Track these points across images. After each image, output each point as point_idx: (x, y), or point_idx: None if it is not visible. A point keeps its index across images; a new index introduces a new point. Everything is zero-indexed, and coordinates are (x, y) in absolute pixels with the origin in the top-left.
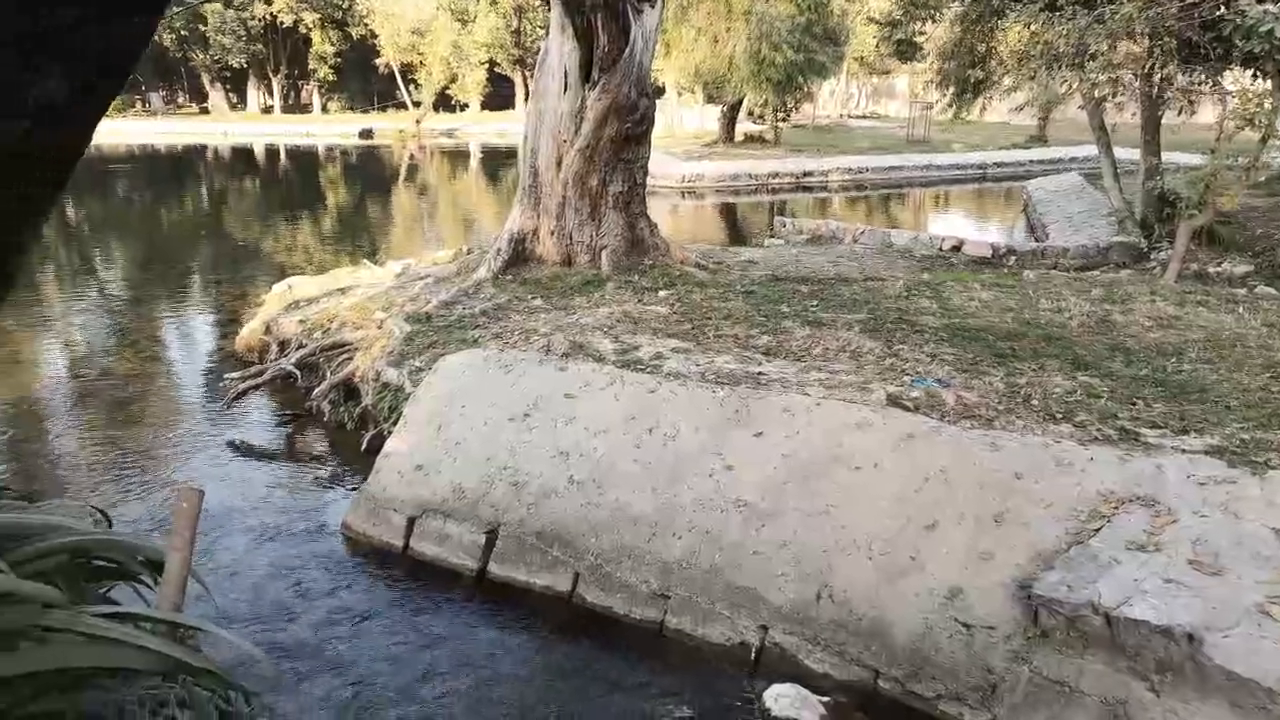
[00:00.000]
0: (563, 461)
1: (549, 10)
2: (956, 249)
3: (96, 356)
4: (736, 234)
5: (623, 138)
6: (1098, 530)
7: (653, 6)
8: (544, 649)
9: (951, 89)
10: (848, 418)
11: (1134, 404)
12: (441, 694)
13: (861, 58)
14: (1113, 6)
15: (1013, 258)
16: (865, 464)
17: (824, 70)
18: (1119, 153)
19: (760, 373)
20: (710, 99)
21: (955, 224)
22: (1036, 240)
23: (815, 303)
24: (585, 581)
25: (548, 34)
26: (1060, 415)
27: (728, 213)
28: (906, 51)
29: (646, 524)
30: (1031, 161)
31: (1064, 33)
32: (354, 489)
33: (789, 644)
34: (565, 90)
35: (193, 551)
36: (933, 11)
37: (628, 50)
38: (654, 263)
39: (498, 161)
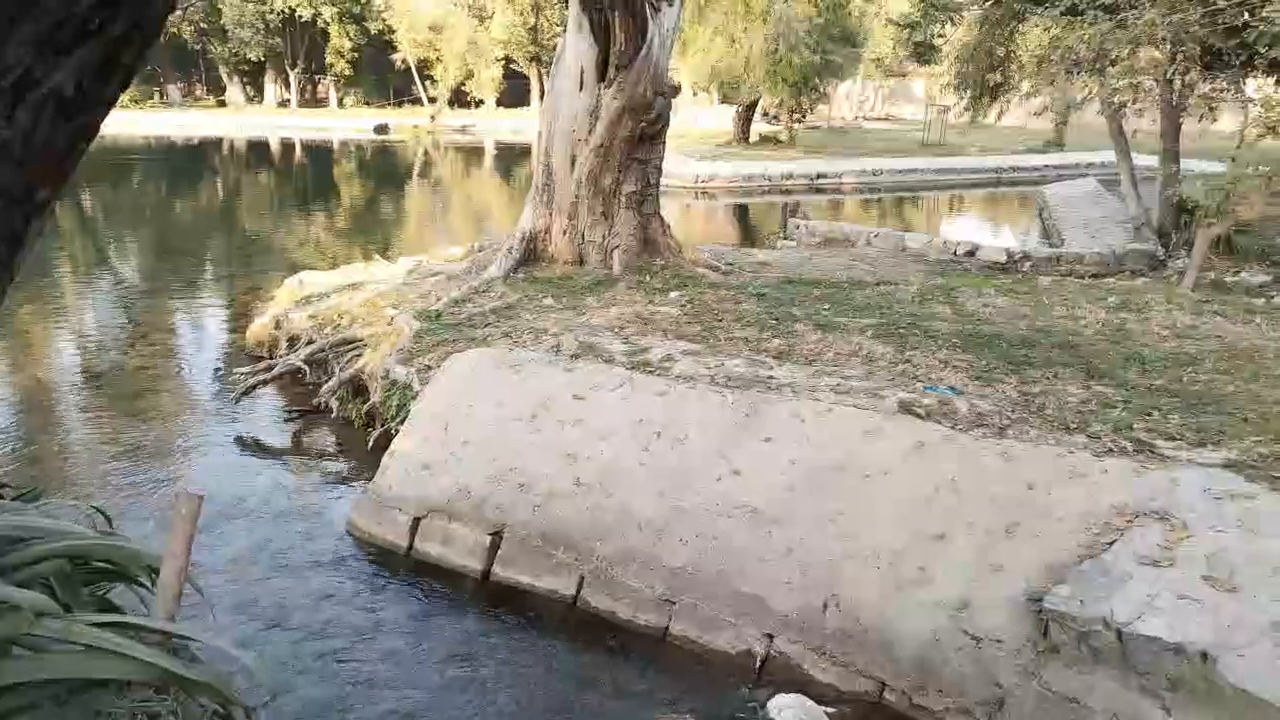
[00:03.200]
0: (570, 463)
1: (566, 8)
2: (971, 254)
3: (106, 348)
4: (749, 235)
5: (637, 137)
6: (1111, 544)
7: (671, 5)
8: (547, 654)
9: (969, 92)
10: (858, 424)
11: (1149, 415)
12: (443, 699)
13: (878, 60)
14: (1135, 12)
15: (1028, 263)
16: (875, 472)
17: (841, 72)
18: (1137, 159)
19: (771, 376)
20: (725, 99)
21: (970, 228)
22: (1052, 246)
23: (828, 306)
24: (590, 585)
25: (565, 32)
26: (1074, 425)
27: (740, 214)
28: (925, 54)
29: (653, 528)
30: (1048, 166)
31: (1085, 38)
32: (360, 487)
33: (794, 653)
34: (581, 89)
35: (189, 558)
36: (952, 14)
37: (645, 49)
38: (666, 263)
39: (511, 158)
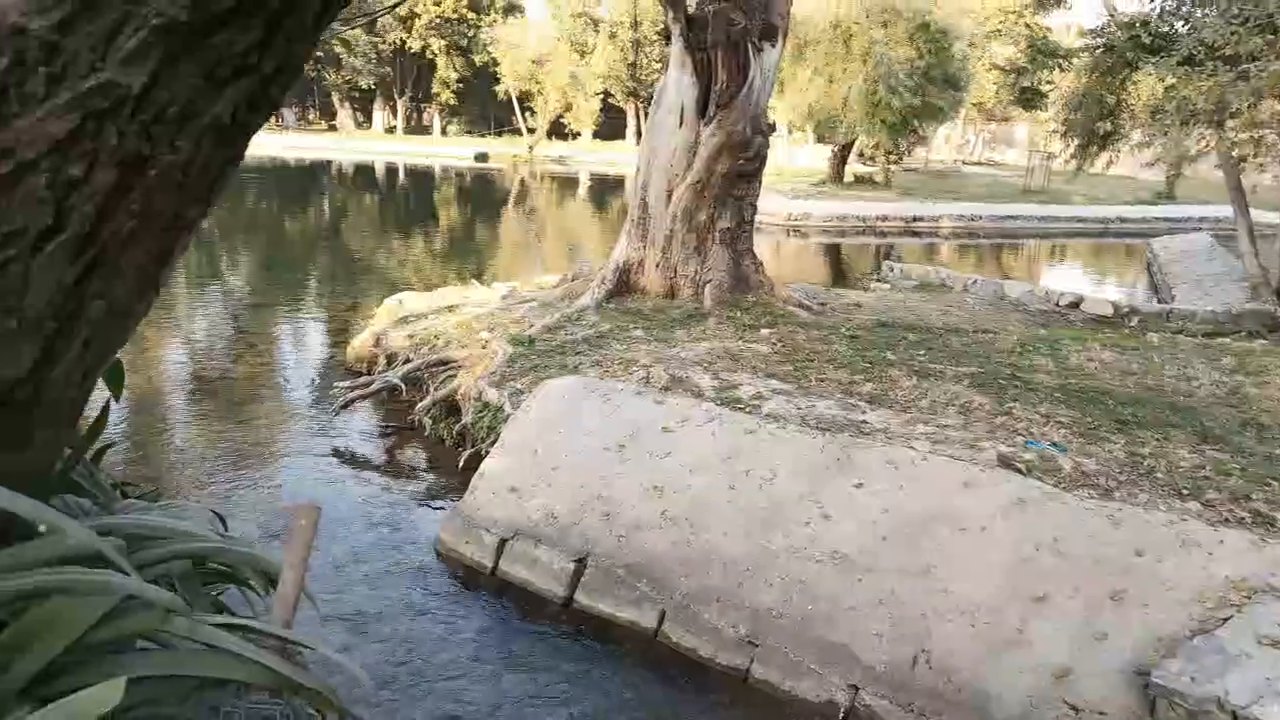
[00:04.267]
0: (656, 496)
1: (668, 46)
2: (1074, 306)
3: (215, 356)
4: (840, 276)
5: (734, 174)
6: (1226, 620)
7: (774, 45)
8: (627, 685)
9: (1076, 140)
10: (955, 475)
11: (1269, 485)
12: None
13: (980, 103)
14: (1258, 64)
15: (1135, 318)
16: (972, 526)
17: (941, 115)
18: (1257, 215)
19: (863, 421)
20: (820, 138)
21: (1073, 279)
22: (1161, 301)
23: (923, 352)
24: (672, 620)
25: (665, 69)
26: (1187, 491)
27: (832, 254)
28: (1031, 99)
29: (738, 567)
30: (1157, 219)
31: (1203, 89)
32: (449, 505)
33: (880, 708)
34: (680, 125)
35: (307, 568)
36: (1061, 60)
37: (746, 87)
38: (757, 300)
39: (604, 190)
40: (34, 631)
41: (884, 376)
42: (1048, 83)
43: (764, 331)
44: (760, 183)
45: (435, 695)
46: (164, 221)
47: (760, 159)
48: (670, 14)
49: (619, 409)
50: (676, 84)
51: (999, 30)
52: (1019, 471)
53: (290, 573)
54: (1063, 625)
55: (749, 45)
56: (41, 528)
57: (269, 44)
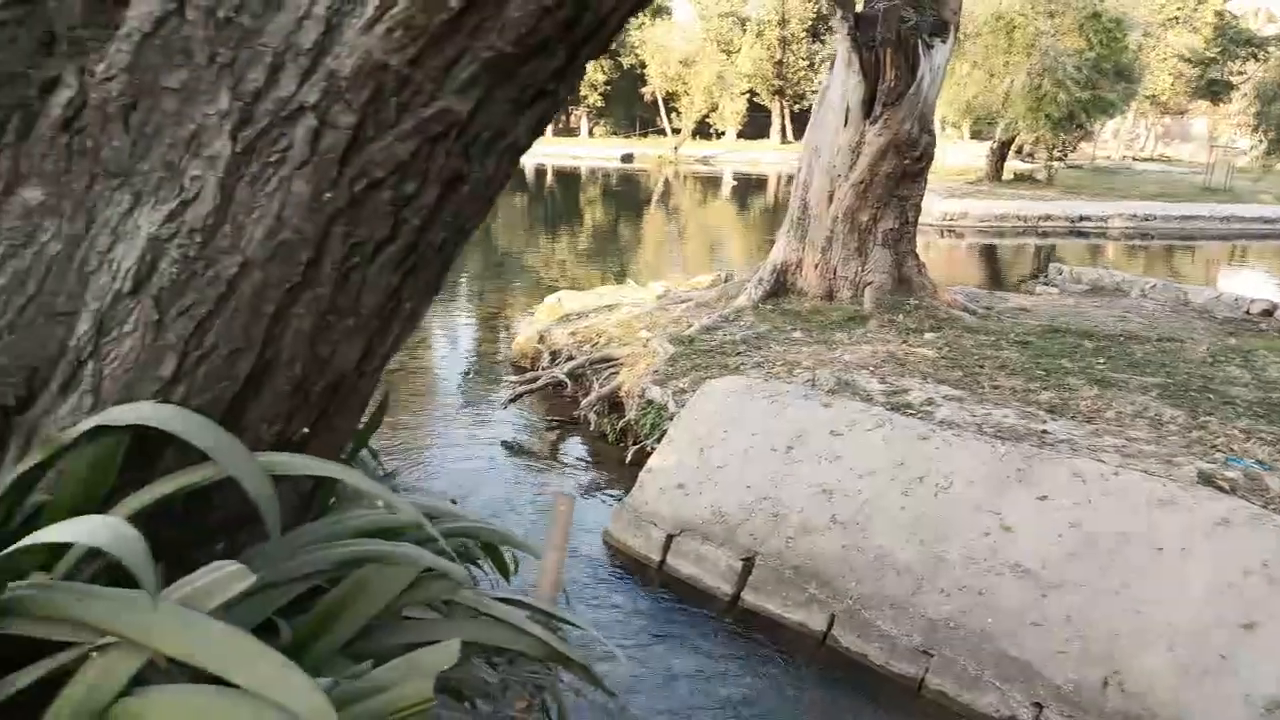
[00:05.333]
0: (825, 499)
1: (813, 44)
2: (1268, 314)
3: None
4: (998, 278)
5: (899, 174)
6: None
7: (944, 42)
8: (795, 685)
9: (1269, 134)
10: (1149, 492)
11: None
12: (687, 709)
13: (1152, 96)
14: None
15: None
16: (1169, 546)
17: (1111, 109)
18: None
19: (1045, 431)
20: (975, 134)
21: (1261, 285)
22: None
23: (1102, 360)
24: (841, 624)
25: (814, 67)
26: None
27: (989, 255)
28: (1219, 91)
29: (911, 575)
30: None
31: None
32: (613, 498)
33: None
34: (845, 125)
35: (567, 550)
36: (1255, 50)
37: (914, 86)
38: (919, 303)
39: (748, 190)
40: (352, 596)
41: (1062, 385)
42: (1238, 73)
43: (928, 335)
44: (925, 183)
45: (606, 679)
46: (461, 232)
47: (927, 158)
48: (838, 13)
49: (785, 411)
50: (842, 83)
51: (1176, 18)
52: (1222, 490)
53: (553, 555)
54: (1274, 656)
55: (919, 42)
56: (379, 503)
57: (566, 70)
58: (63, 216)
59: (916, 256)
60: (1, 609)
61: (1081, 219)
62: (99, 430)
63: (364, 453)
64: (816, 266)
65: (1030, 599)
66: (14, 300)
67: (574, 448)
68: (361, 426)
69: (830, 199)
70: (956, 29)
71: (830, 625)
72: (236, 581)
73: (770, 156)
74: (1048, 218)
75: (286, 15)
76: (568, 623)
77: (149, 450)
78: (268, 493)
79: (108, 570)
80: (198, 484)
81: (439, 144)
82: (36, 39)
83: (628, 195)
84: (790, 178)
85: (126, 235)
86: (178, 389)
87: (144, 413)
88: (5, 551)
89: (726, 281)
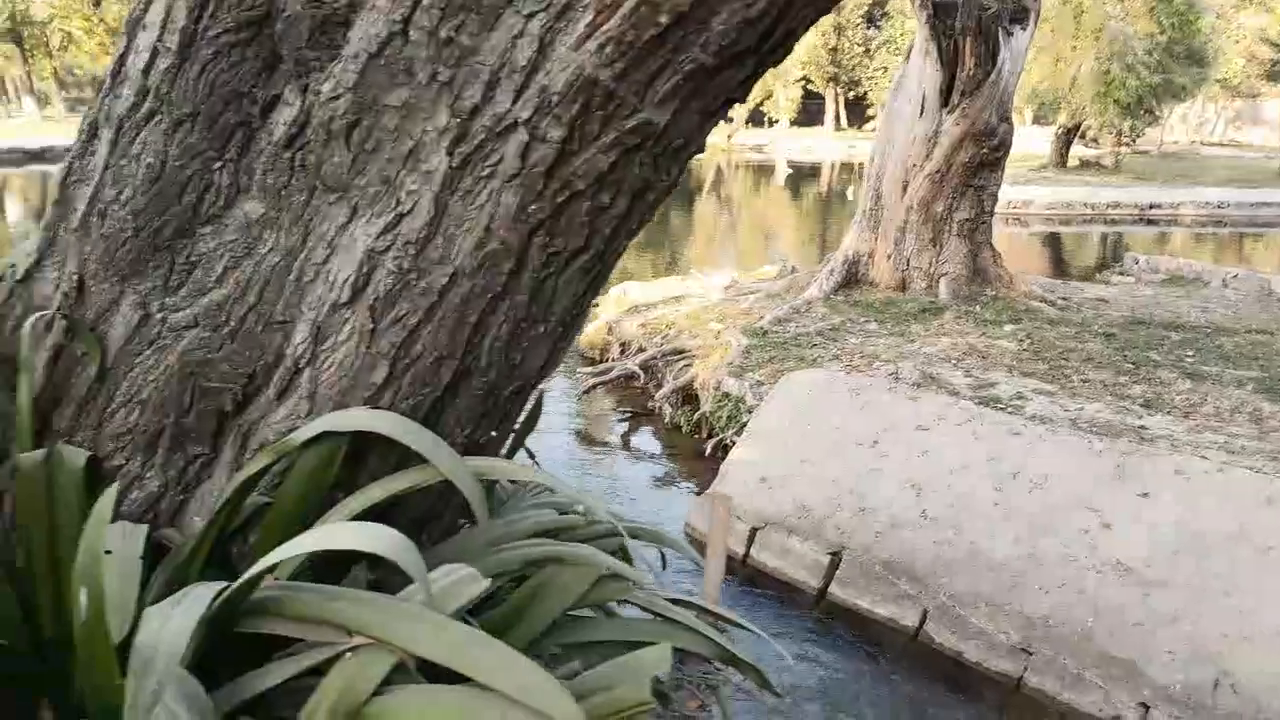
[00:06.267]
0: (914, 494)
1: (869, 29)
2: None
3: None
4: (1065, 267)
5: (977, 163)
6: None
7: (1024, 29)
8: (887, 681)
9: None
10: (1259, 490)
11: None
12: (781, 703)
13: (1223, 79)
14: None
15: None
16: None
17: (1183, 93)
18: None
19: (1142, 426)
20: (1037, 120)
21: None
22: None
23: (1191, 353)
24: (934, 620)
25: (869, 54)
26: None
27: (1055, 243)
28: None
29: (1007, 572)
30: None
31: None
32: (690, 489)
33: None
34: (921, 114)
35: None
36: None
37: (994, 74)
38: (996, 294)
39: (800, 178)
40: (537, 596)
41: (1153, 378)
42: None
43: (1008, 327)
44: (1003, 172)
45: (692, 668)
46: (632, 237)
47: (1005, 147)
48: (916, 1)
49: (869, 404)
50: (919, 72)
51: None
52: None
53: (714, 557)
54: None
55: (1000, 29)
56: (579, 508)
57: (750, 80)
58: (281, 229)
59: (992, 247)
60: (256, 608)
61: (1151, 206)
62: (321, 434)
63: (521, 452)
64: (889, 257)
65: (1133, 598)
66: (235, 310)
67: (648, 439)
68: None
69: (904, 189)
70: (1037, 15)
71: (923, 621)
72: (472, 585)
73: (825, 144)
74: (1116, 205)
75: (501, 34)
76: (736, 624)
77: (356, 454)
78: (480, 496)
79: (312, 570)
80: (414, 487)
81: (635, 155)
82: (262, 60)
83: (683, 184)
84: (844, 165)
85: (342, 247)
86: (385, 395)
87: (365, 419)
88: (274, 558)
89: (793, 273)
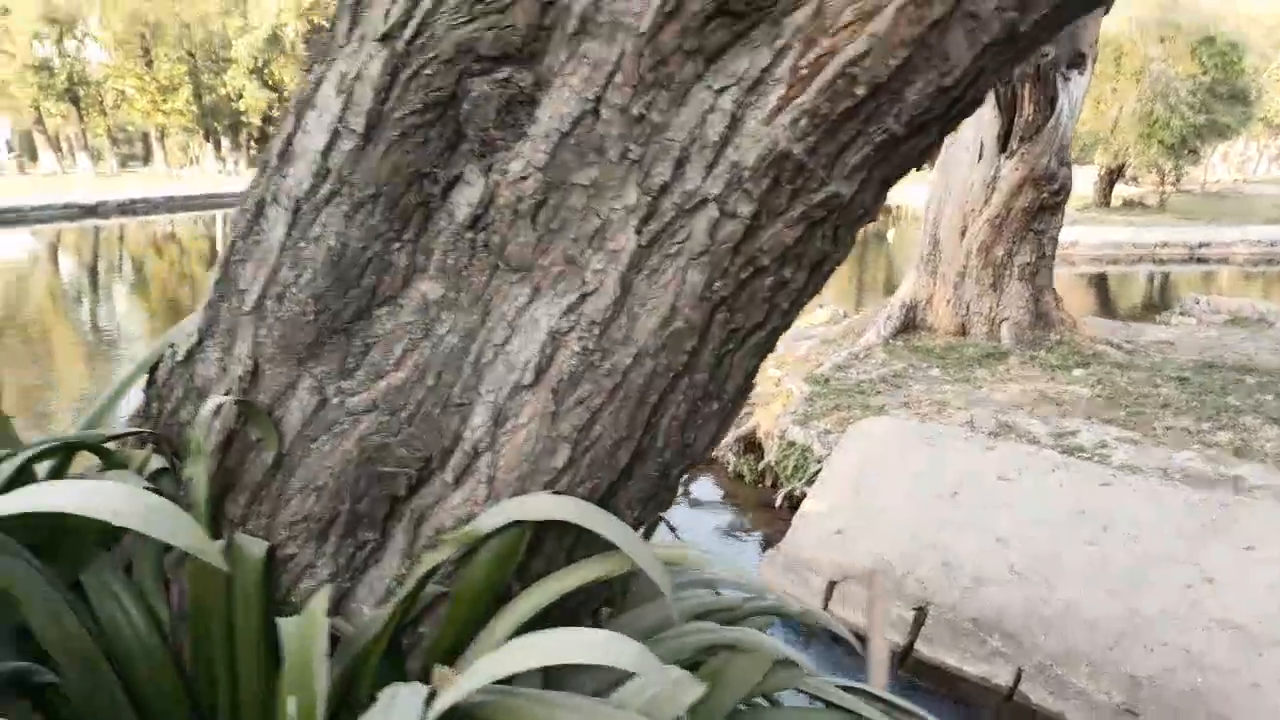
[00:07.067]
0: (1000, 548)
1: None
2: None
3: None
4: (1113, 307)
5: (1036, 207)
6: None
7: (1082, 74)
8: None
9: None
10: None
11: None
12: None
13: (1265, 117)
14: None
15: None
16: None
17: (1227, 132)
18: None
19: (1238, 476)
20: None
21: None
22: None
23: (1271, 397)
24: (1030, 680)
25: None
26: None
27: (1104, 284)
28: None
29: (1105, 630)
30: None
31: None
32: (757, 540)
33: None
34: (979, 160)
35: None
36: None
37: (1053, 119)
38: (1060, 338)
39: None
40: (715, 685)
41: (1237, 424)
42: None
43: (1076, 373)
44: (1063, 216)
45: None
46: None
47: (1065, 191)
48: None
49: (946, 454)
50: (976, 118)
51: None
52: None
53: (877, 636)
54: None
55: (1058, 75)
56: (756, 597)
57: (931, 147)
58: (459, 310)
59: (1054, 291)
60: (465, 716)
61: (1202, 245)
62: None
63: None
64: (949, 302)
65: (1244, 657)
66: (414, 393)
67: (710, 488)
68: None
69: (962, 234)
70: (1094, 61)
71: (1017, 680)
72: (691, 689)
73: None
74: (1164, 245)
75: (691, 109)
76: (910, 712)
77: (533, 541)
78: (670, 585)
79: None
80: (604, 577)
81: (819, 228)
82: (445, 140)
83: None
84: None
85: (523, 328)
86: (564, 479)
87: (550, 505)
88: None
89: (846, 318)
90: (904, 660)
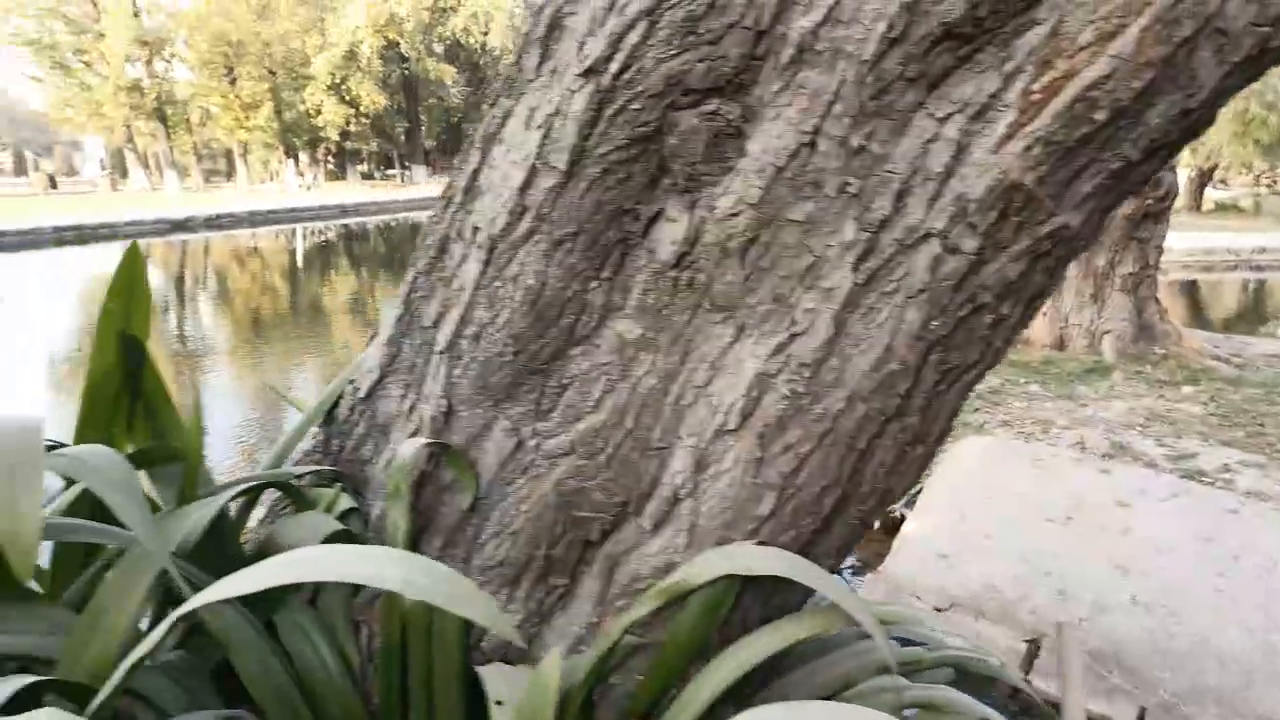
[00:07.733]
0: (1120, 576)
1: None
2: None
3: None
4: (1207, 317)
5: (1140, 215)
6: None
7: None
8: None
9: None
10: None
11: None
12: None
13: None
14: None
15: None
16: None
17: None
18: None
19: None
20: None
21: None
22: None
23: None
24: (1155, 719)
25: None
26: None
27: (1196, 292)
28: None
29: (1239, 667)
30: None
31: None
32: (850, 563)
33: None
34: None
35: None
36: None
37: None
38: (1166, 352)
39: None
40: None
41: None
42: None
43: (1186, 389)
44: (1167, 224)
45: None
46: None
47: (1170, 197)
48: None
49: (1055, 476)
50: None
51: None
52: None
53: (1074, 694)
54: None
55: None
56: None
57: (1154, 172)
58: (658, 350)
59: (1158, 301)
60: None
61: None
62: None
63: None
64: (1045, 314)
65: None
66: (612, 436)
67: None
68: None
69: None
70: None
71: (1140, 718)
72: None
73: None
74: (1263, 250)
75: (912, 139)
76: None
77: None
78: (886, 642)
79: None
80: (817, 635)
81: (1042, 261)
82: (648, 176)
83: None
84: None
85: (727, 369)
86: (767, 527)
87: (760, 559)
88: None
89: None
90: (1016, 693)
